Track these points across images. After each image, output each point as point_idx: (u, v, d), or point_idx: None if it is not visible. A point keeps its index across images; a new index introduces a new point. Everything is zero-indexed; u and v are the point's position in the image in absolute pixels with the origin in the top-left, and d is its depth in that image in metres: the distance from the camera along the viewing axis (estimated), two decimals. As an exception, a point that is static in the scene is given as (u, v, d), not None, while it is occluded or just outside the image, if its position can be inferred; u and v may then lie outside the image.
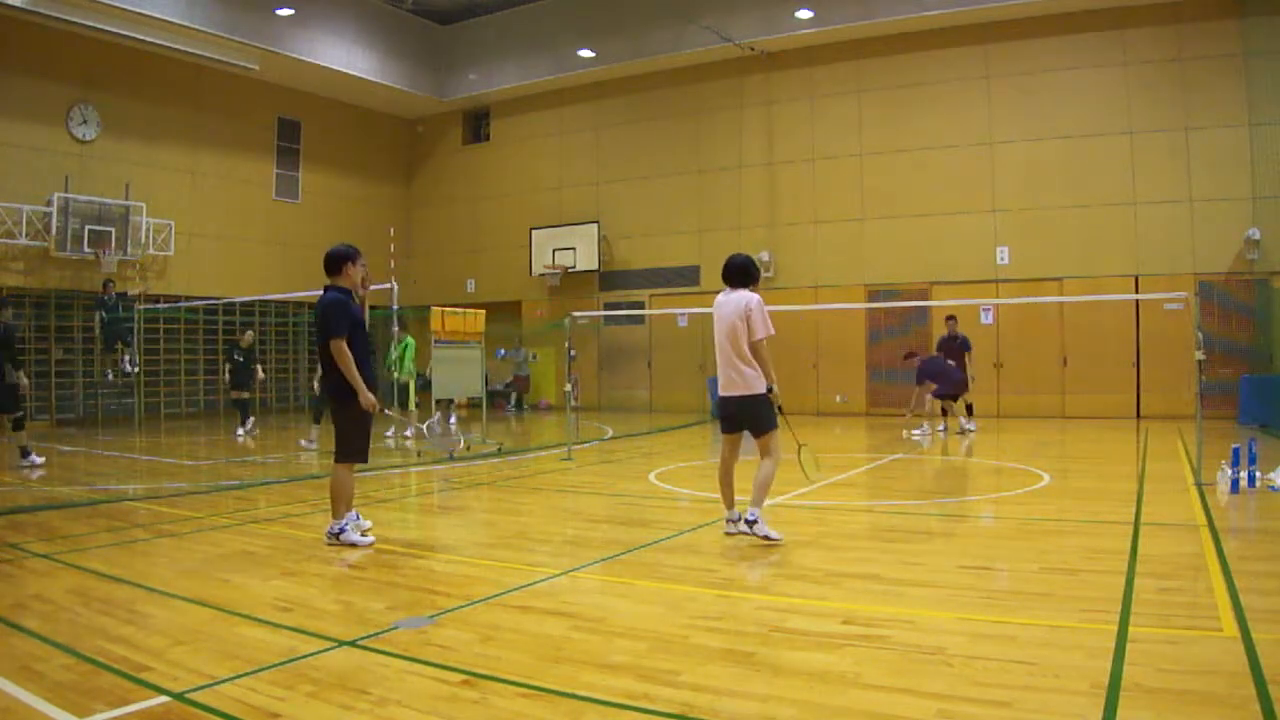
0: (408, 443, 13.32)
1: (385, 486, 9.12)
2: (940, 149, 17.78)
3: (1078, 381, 16.66)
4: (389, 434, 14.08)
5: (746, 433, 6.12)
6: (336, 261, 6.20)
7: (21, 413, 10.80)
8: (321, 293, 6.20)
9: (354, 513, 6.26)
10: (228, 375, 15.37)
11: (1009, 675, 3.41)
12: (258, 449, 13.19)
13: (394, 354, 14.35)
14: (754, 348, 5.89)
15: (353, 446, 6.15)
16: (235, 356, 15.11)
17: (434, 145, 24.45)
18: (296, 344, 21.54)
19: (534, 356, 22.61)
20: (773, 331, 5.92)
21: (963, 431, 13.69)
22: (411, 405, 14.36)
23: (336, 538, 6.07)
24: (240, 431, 14.94)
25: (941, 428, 14.05)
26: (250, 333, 15.75)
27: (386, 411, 13.35)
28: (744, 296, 5.98)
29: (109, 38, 16.90)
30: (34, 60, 16.69)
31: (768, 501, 6.00)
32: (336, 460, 6.17)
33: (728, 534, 6.08)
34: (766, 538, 5.75)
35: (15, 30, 16.06)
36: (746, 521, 5.79)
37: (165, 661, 3.69)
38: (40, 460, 10.70)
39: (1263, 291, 15.29)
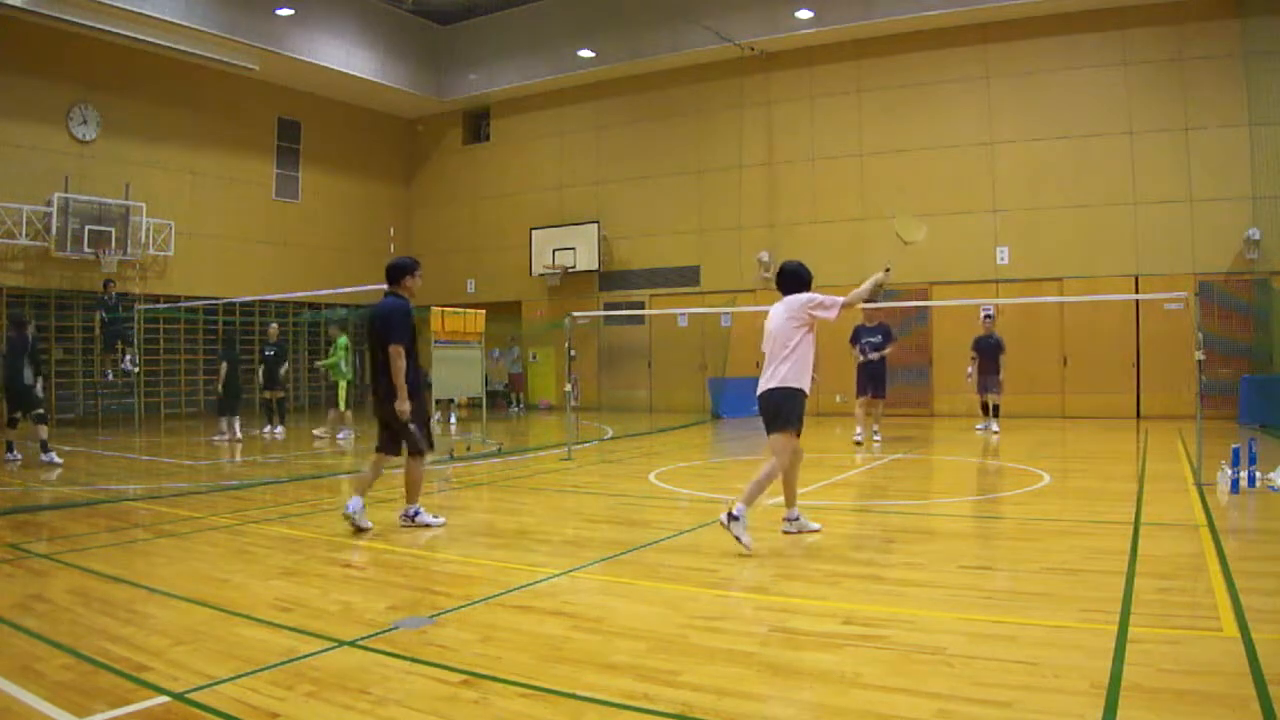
0: (340, 442, 13.67)
1: (385, 486, 9.09)
2: (940, 149, 17.78)
3: (1078, 381, 16.65)
4: (318, 433, 14.25)
5: (789, 436, 5.93)
6: (398, 273, 6.77)
7: (42, 409, 11.06)
8: (382, 298, 6.75)
9: (359, 500, 6.68)
10: (262, 375, 15.39)
11: (1009, 675, 3.41)
12: (259, 450, 13.19)
13: (335, 356, 14.53)
14: (845, 310, 5.83)
15: (418, 439, 6.69)
16: (265, 353, 15.12)
17: (434, 145, 24.45)
18: (297, 344, 21.54)
19: (533, 356, 22.64)
20: (841, 298, 5.85)
21: (986, 430, 13.67)
22: (342, 405, 14.44)
23: (412, 519, 6.67)
24: (266, 429, 14.98)
25: (858, 435, 12.47)
26: (275, 325, 15.80)
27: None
28: (797, 298, 5.94)
29: (109, 38, 16.90)
30: (34, 60, 16.68)
31: (769, 500, 5.98)
32: (411, 455, 6.71)
33: (783, 531, 6.15)
34: (738, 539, 5.54)
35: (15, 30, 16.06)
36: (730, 515, 5.60)
37: (165, 661, 3.69)
38: (59, 460, 10.81)
39: (1263, 291, 15.28)
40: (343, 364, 14.51)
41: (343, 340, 14.78)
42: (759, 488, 5.76)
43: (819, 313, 5.84)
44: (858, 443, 12.25)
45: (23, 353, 10.86)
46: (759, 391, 5.96)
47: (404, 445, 6.75)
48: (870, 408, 12.72)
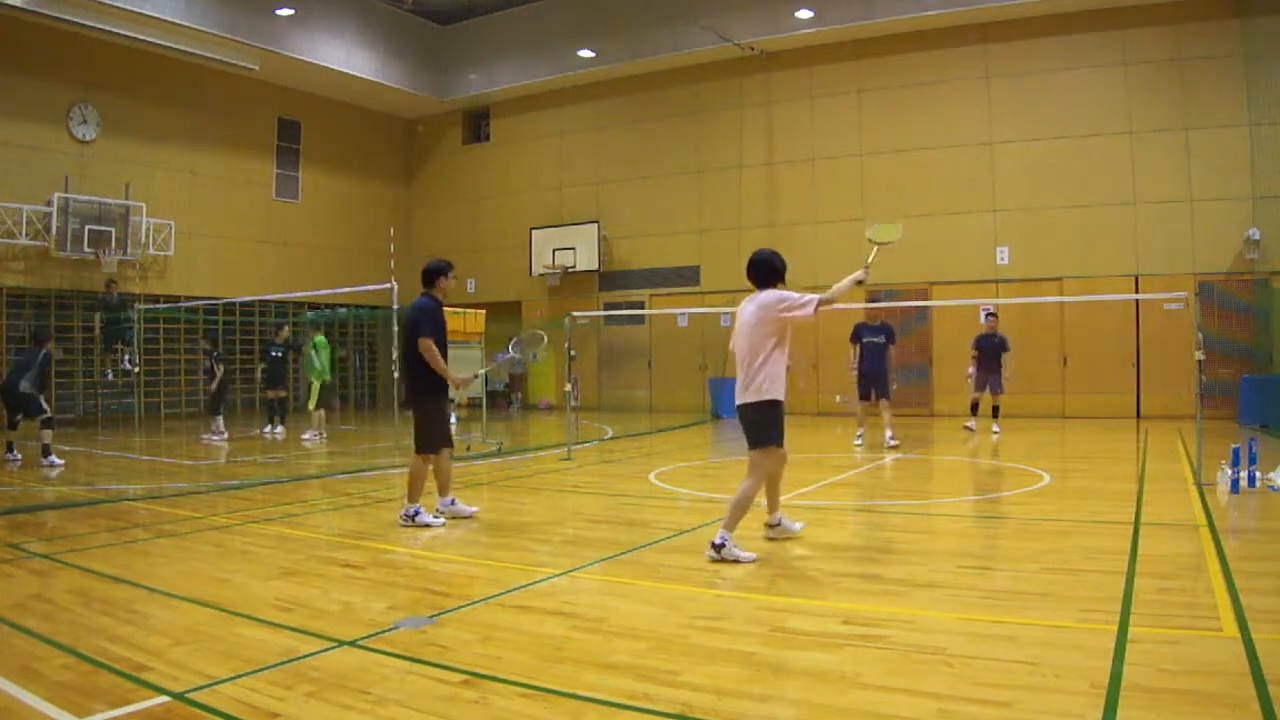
0: (308, 441, 13.83)
1: (385, 486, 9.11)
2: (940, 149, 17.77)
3: (1078, 381, 16.65)
4: (306, 436, 14.31)
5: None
6: (432, 275, 7.00)
7: (47, 414, 11.18)
8: (420, 300, 6.98)
9: (449, 497, 7.06)
10: (261, 374, 15.45)
11: (1009, 675, 3.41)
12: (260, 449, 13.19)
13: (310, 355, 14.52)
14: (820, 309, 5.44)
15: (428, 439, 6.85)
16: (273, 354, 15.12)
17: (434, 145, 24.45)
18: (297, 344, 21.52)
19: (534, 356, 22.61)
20: (815, 296, 5.47)
21: (972, 429, 13.47)
22: (313, 404, 14.47)
23: (412, 519, 6.71)
24: (267, 429, 15.03)
25: (863, 438, 12.32)
26: (287, 328, 15.82)
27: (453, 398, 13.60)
28: (768, 296, 5.59)
29: (109, 38, 16.90)
30: (34, 60, 16.68)
31: (760, 501, 5.95)
32: (416, 450, 6.86)
33: (766, 538, 6.03)
34: (736, 560, 5.33)
35: (15, 30, 16.06)
36: (714, 545, 5.36)
37: (165, 661, 3.69)
38: (60, 462, 10.86)
39: (1262, 291, 15.28)
40: (316, 362, 14.55)
41: (320, 339, 14.78)
42: (740, 509, 5.51)
43: (792, 314, 5.50)
44: (858, 445, 12.00)
45: (27, 367, 11.11)
46: (737, 403, 5.74)
47: (437, 441, 6.92)
48: (875, 410, 12.22)
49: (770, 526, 6.12)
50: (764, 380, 5.56)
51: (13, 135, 16.59)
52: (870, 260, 6.02)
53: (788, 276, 5.89)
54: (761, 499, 6.02)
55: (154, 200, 18.38)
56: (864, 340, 12.24)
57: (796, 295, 5.54)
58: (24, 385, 10.98)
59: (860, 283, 5.81)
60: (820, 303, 5.47)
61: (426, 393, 6.82)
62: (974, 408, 13.78)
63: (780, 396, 5.61)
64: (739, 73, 19.73)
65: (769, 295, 5.64)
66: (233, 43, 18.21)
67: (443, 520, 6.79)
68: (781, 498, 6.19)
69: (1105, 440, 12.81)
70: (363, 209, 22.93)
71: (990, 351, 13.42)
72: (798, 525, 6.22)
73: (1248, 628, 3.85)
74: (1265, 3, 14.99)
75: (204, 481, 9.55)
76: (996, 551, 5.90)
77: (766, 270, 5.74)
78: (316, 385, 14.56)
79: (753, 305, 5.68)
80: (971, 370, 13.65)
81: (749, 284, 5.92)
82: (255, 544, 6.26)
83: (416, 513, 6.73)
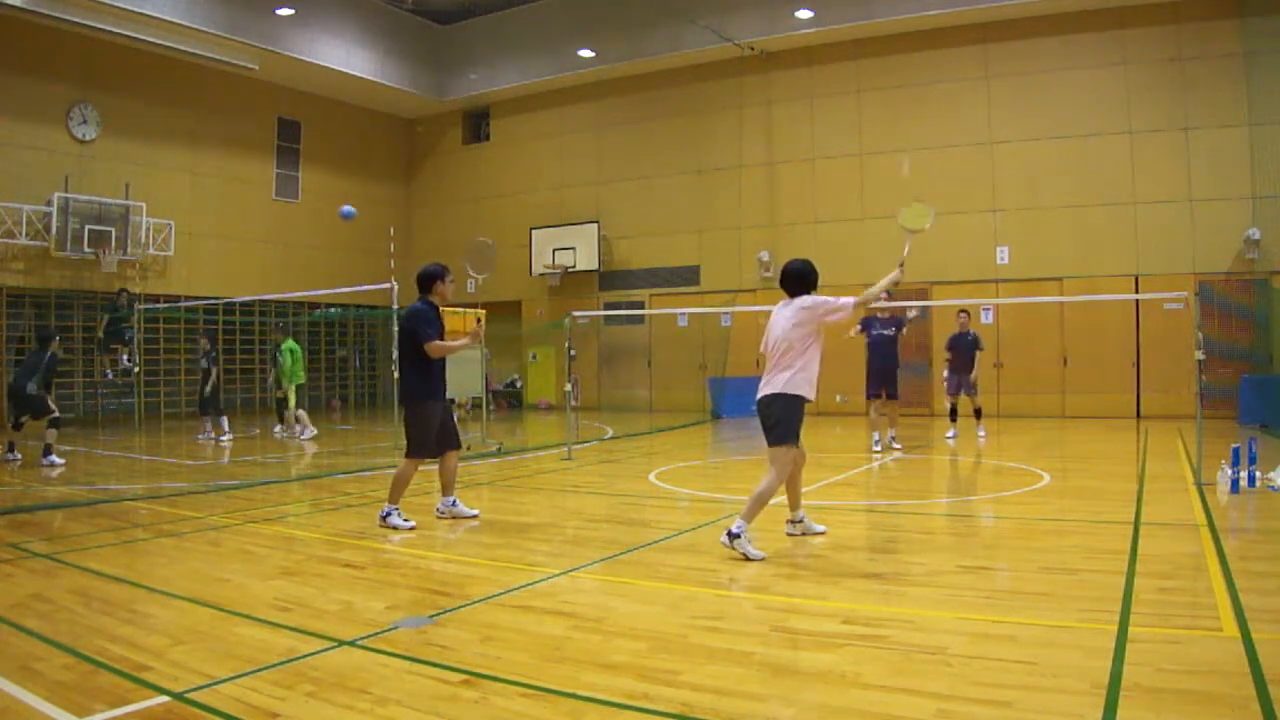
0: (306, 439, 13.93)
1: (384, 486, 9.10)
2: (940, 149, 17.77)
3: (1078, 381, 16.65)
4: (304, 435, 14.33)
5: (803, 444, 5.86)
6: (429, 280, 6.92)
7: (54, 414, 11.28)
8: (415, 304, 6.92)
9: (451, 498, 7.06)
10: (270, 376, 15.56)
11: (1009, 675, 3.41)
12: (260, 449, 13.19)
13: (284, 362, 14.50)
14: (858, 310, 5.61)
15: (416, 443, 6.81)
16: (276, 355, 15.19)
17: (434, 145, 24.45)
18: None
19: (533, 356, 22.64)
20: (852, 299, 5.64)
21: (956, 437, 12.90)
22: (292, 405, 14.53)
23: (384, 520, 6.71)
24: (275, 429, 15.06)
25: (880, 442, 11.64)
26: (275, 327, 15.85)
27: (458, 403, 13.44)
28: (805, 300, 5.70)
29: (109, 38, 16.90)
30: (34, 60, 16.69)
31: (771, 501, 5.94)
32: (406, 454, 6.86)
33: (787, 534, 6.13)
34: (745, 555, 5.39)
35: (15, 30, 16.06)
36: (730, 534, 5.44)
37: (165, 661, 3.69)
38: (60, 462, 10.90)
39: (1263, 291, 15.29)
40: (289, 367, 14.58)
41: (286, 344, 14.79)
42: (759, 503, 5.57)
43: (832, 317, 5.63)
44: (876, 452, 11.28)
45: (34, 368, 11.21)
46: (759, 396, 5.75)
47: (448, 442, 6.97)
48: (884, 409, 11.63)
49: (792, 523, 6.16)
50: (791, 376, 5.61)
51: (13, 135, 16.59)
52: (905, 254, 5.98)
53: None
54: (781, 496, 6.03)
55: (154, 200, 18.38)
56: (873, 333, 11.51)
57: (833, 299, 5.67)
58: (30, 387, 11.07)
59: (897, 283, 5.88)
60: (858, 304, 5.67)
61: (418, 397, 6.76)
62: (953, 414, 13.25)
63: (806, 395, 5.65)
64: (739, 72, 19.73)
65: (806, 299, 5.74)
66: (233, 43, 18.21)
67: (411, 524, 6.65)
68: (783, 497, 6.19)
69: (1105, 440, 12.80)
70: (362, 209, 22.74)
71: (962, 351, 12.86)
72: (821, 528, 6.21)
73: (1248, 628, 3.85)
74: (1265, 3, 14.99)
75: (204, 481, 9.54)
76: (996, 551, 5.90)
77: (799, 280, 5.84)
78: (291, 388, 14.58)
79: (789, 310, 5.76)
80: (946, 374, 13.15)
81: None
82: (255, 544, 6.26)
83: (388, 514, 6.71)
